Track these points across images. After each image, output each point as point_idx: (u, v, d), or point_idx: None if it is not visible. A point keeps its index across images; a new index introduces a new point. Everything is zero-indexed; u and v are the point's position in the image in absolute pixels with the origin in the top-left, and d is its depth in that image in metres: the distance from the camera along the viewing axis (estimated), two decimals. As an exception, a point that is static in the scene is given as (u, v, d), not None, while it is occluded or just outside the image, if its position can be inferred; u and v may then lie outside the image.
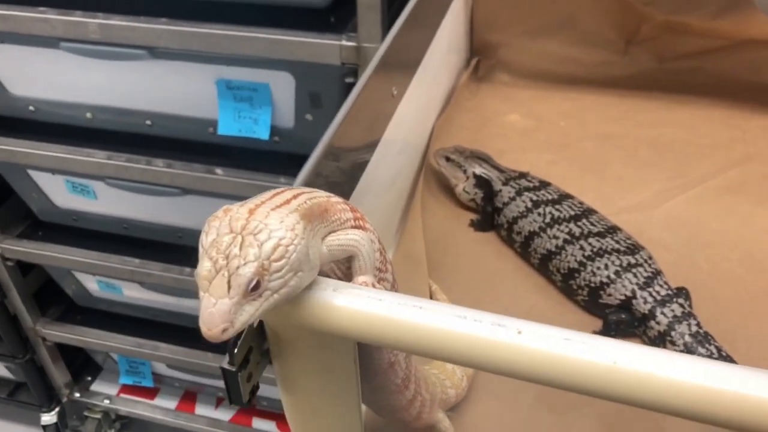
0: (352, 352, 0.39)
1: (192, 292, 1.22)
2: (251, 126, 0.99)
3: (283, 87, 0.95)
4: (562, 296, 0.68)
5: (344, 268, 0.41)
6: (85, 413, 1.50)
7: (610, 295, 0.64)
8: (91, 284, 1.34)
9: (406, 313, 0.34)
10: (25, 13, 0.92)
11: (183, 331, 1.35)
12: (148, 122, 1.05)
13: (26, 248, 1.23)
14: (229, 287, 0.29)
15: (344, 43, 0.84)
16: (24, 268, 1.30)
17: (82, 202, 1.20)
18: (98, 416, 1.49)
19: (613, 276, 0.65)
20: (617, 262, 0.65)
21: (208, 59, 0.94)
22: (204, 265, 0.30)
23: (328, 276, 0.38)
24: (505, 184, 0.75)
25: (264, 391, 0.51)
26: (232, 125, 1.00)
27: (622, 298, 0.64)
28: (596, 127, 0.88)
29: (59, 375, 1.46)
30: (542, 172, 0.76)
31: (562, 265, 0.67)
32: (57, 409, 1.50)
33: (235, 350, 0.38)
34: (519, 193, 0.74)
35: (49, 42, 0.96)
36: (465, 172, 0.78)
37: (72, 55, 0.97)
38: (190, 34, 0.88)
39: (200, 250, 0.32)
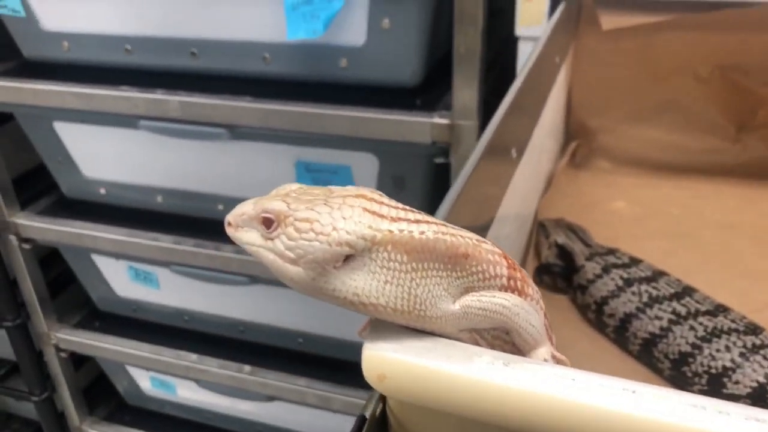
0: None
1: (248, 393, 1.12)
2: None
3: (365, 170, 0.89)
4: (672, 386, 0.56)
5: (490, 338, 0.32)
6: None
7: (737, 382, 0.53)
8: (144, 381, 1.25)
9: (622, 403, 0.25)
10: (108, 92, 0.91)
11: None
12: (221, 207, 1.01)
13: (82, 339, 1.16)
14: (255, 204, 0.29)
15: (436, 120, 0.79)
16: (76, 361, 1.24)
17: (143, 291, 1.14)
18: None
19: (738, 359, 0.53)
20: (740, 344, 0.54)
21: (288, 140, 0.90)
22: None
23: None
24: (589, 259, 0.66)
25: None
26: (307, 211, 0.94)
27: (754, 385, 0.52)
28: (715, 216, 0.79)
29: (101, 482, 1.35)
30: (659, 261, 0.66)
31: (671, 350, 0.56)
32: None
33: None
34: (606, 270, 0.64)
35: (128, 122, 0.94)
36: (548, 238, 0.70)
37: (150, 135, 0.94)
38: (272, 112, 0.84)
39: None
